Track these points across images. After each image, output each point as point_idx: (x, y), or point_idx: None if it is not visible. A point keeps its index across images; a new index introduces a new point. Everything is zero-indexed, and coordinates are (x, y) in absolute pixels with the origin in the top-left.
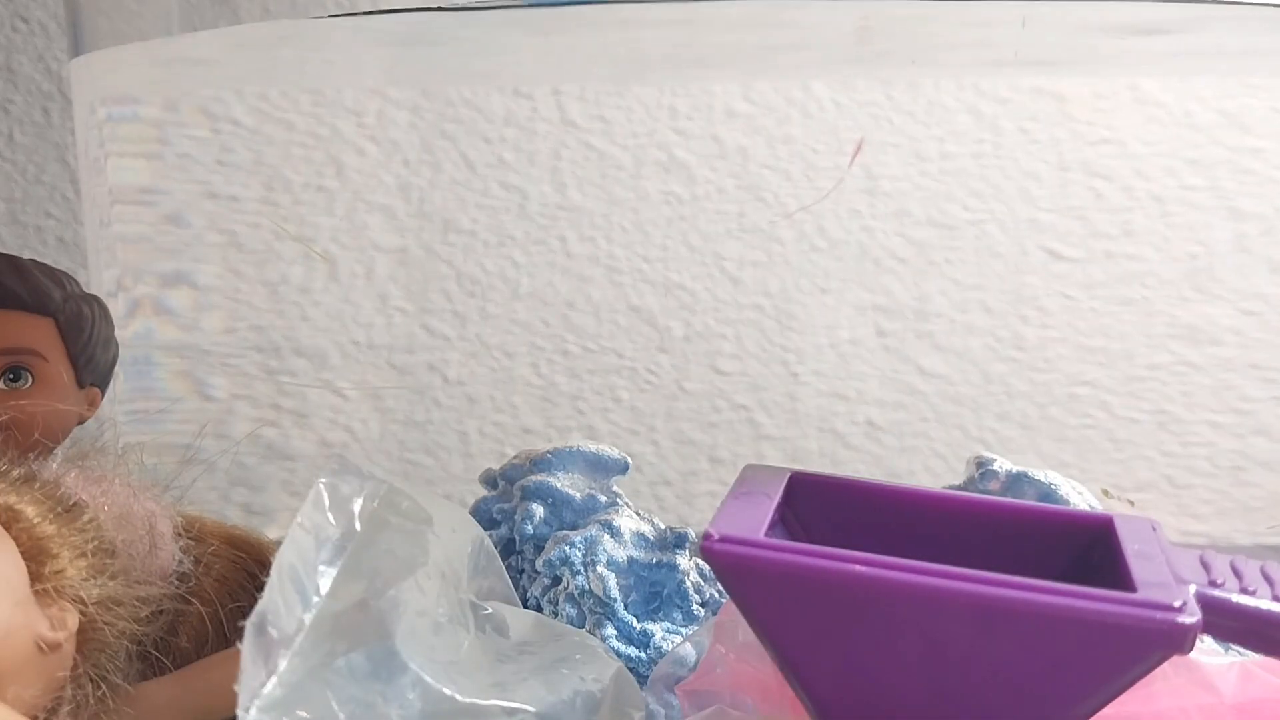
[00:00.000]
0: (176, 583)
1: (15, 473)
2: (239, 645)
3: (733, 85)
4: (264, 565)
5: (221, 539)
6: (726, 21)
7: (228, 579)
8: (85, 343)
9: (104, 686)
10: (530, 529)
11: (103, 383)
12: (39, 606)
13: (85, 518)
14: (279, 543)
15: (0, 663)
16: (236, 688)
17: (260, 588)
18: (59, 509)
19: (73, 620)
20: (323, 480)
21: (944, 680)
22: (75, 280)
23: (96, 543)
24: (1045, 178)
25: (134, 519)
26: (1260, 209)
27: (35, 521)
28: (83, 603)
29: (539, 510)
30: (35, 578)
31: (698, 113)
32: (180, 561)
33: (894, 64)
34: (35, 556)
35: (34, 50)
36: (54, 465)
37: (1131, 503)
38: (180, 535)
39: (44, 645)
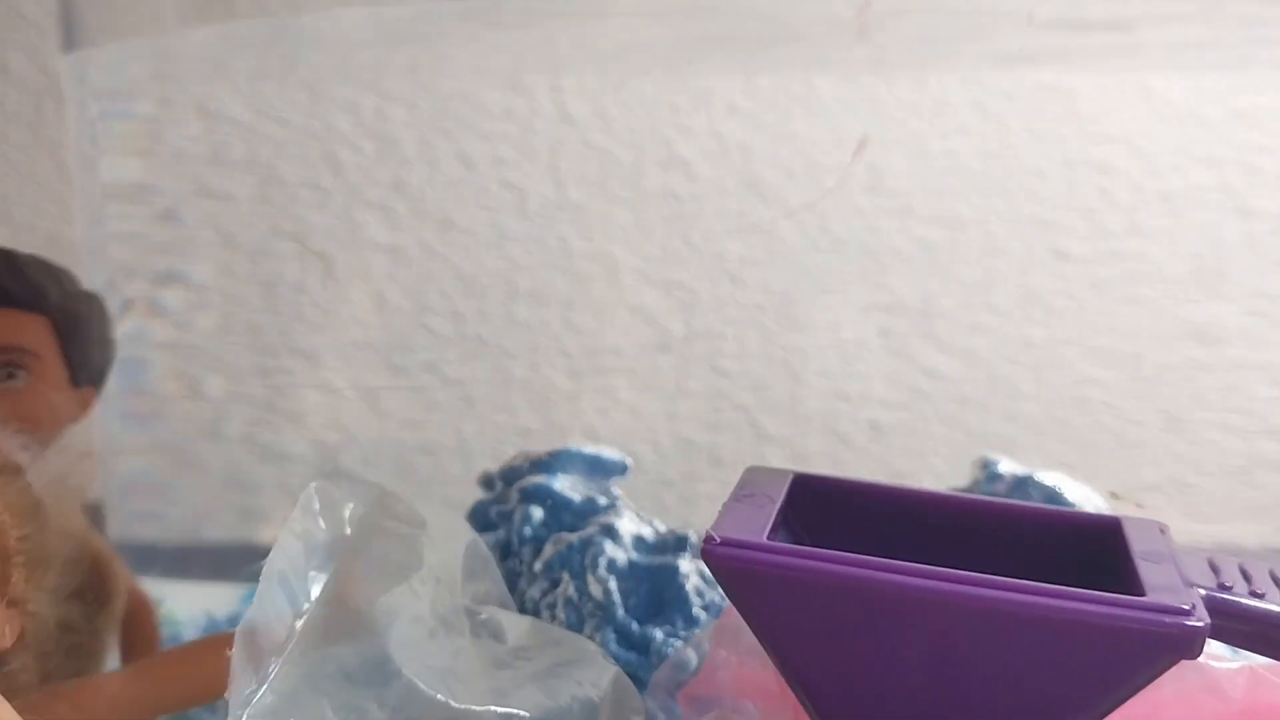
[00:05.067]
0: None
1: None
2: (198, 639)
3: (734, 80)
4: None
5: None
6: (727, 14)
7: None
8: (81, 342)
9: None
10: (528, 531)
11: (98, 382)
12: None
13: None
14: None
15: None
16: (228, 694)
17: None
18: None
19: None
20: (313, 484)
21: (949, 684)
22: (73, 278)
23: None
24: (1051, 175)
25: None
26: (1269, 207)
27: None
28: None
29: (537, 512)
30: None
31: (698, 108)
32: None
33: (898, 59)
34: None
35: (27, 46)
36: None
37: (1139, 505)
38: None
39: None
